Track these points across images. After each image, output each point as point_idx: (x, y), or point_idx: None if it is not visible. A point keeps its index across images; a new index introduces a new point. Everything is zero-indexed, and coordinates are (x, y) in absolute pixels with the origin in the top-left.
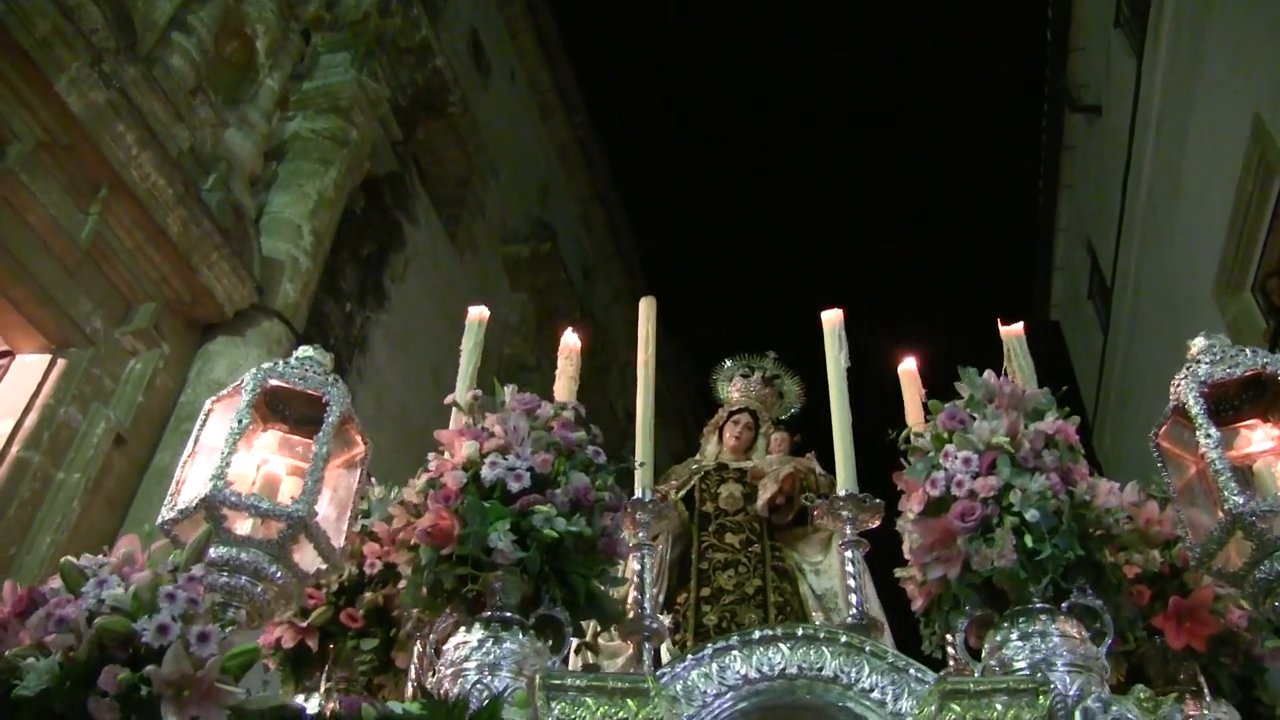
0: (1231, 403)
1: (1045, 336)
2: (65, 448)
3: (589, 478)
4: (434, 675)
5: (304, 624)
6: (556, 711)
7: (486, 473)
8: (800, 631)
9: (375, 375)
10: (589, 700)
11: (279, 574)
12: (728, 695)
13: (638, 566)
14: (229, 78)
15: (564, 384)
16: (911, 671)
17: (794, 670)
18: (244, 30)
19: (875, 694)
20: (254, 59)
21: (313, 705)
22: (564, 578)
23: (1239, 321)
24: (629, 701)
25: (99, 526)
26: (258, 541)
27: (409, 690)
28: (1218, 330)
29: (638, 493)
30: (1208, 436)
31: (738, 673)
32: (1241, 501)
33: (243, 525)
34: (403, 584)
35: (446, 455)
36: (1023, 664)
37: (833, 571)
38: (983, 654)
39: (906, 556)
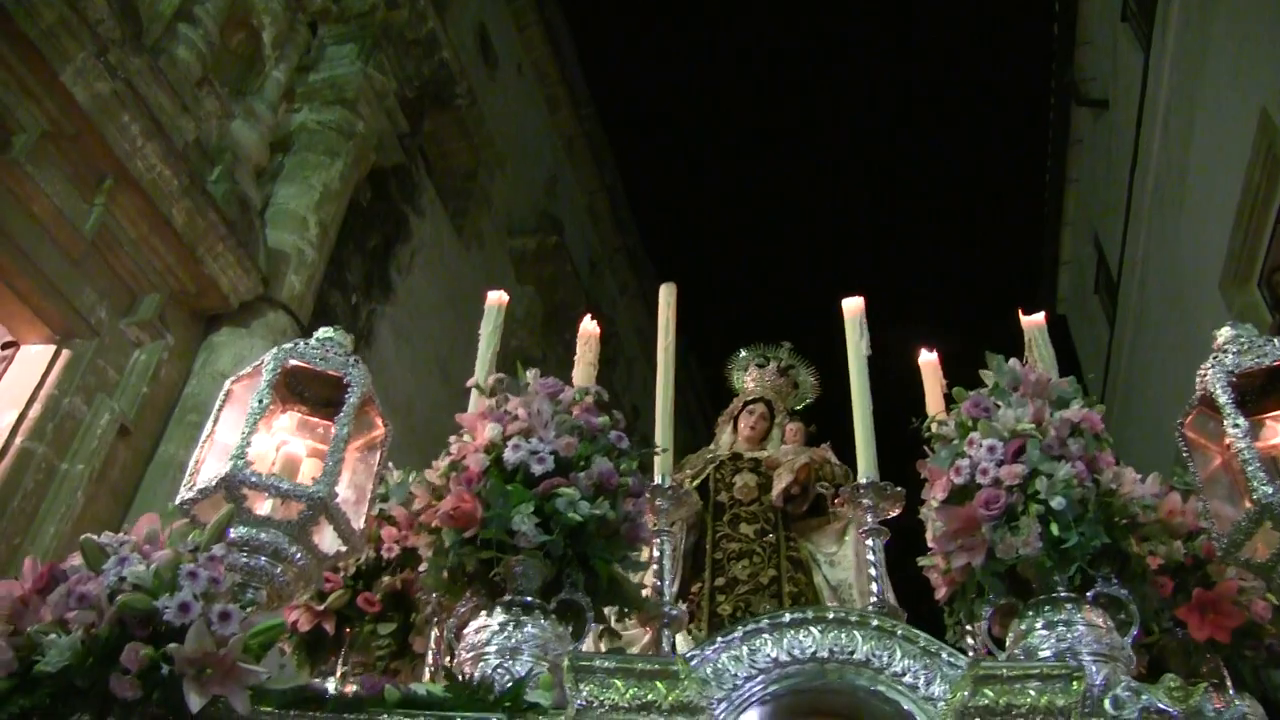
0: (1258, 394)
1: (1051, 330)
2: (69, 439)
3: (612, 463)
4: (453, 660)
5: (320, 607)
6: (585, 693)
7: (509, 455)
8: (831, 614)
9: (381, 367)
10: (618, 682)
11: (299, 555)
12: (758, 678)
13: (657, 553)
14: (235, 69)
15: (584, 370)
16: (944, 656)
17: (825, 653)
18: (250, 22)
19: (907, 678)
20: (260, 50)
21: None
22: (586, 562)
23: (1245, 315)
24: (658, 684)
25: (103, 518)
26: (278, 522)
27: (425, 675)
28: (1223, 324)
29: (657, 479)
30: (1235, 426)
31: (768, 655)
32: (1271, 491)
33: (262, 506)
34: (422, 568)
35: (467, 438)
36: (1047, 653)
37: (847, 562)
38: (1007, 643)
39: (930, 545)
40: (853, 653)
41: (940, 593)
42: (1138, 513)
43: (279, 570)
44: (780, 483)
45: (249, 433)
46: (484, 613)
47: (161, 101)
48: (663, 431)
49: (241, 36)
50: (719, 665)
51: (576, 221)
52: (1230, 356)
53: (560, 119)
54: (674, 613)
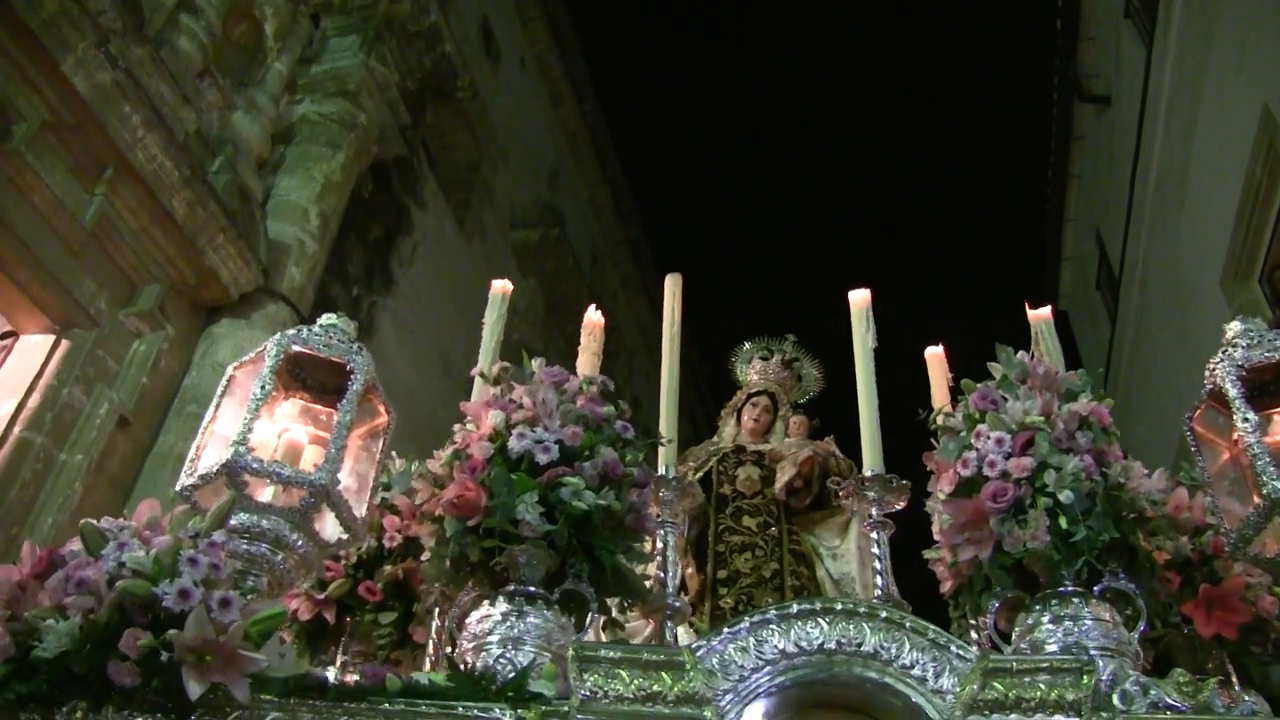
0: (1267, 388)
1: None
2: (68, 429)
3: (617, 453)
4: (454, 649)
5: (321, 596)
6: (589, 683)
7: (514, 444)
8: (840, 606)
9: (382, 360)
10: (623, 673)
11: (300, 542)
12: (765, 670)
13: (660, 545)
14: (237, 60)
15: (588, 360)
16: (953, 649)
17: (833, 645)
18: (252, 13)
19: (916, 670)
20: (262, 42)
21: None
22: (590, 552)
23: (1246, 312)
24: (664, 675)
25: (101, 508)
26: (279, 509)
27: (426, 665)
28: (1224, 321)
29: (661, 470)
30: (1245, 420)
31: (775, 647)
32: None
33: (264, 493)
34: (424, 557)
35: (471, 427)
36: (1054, 647)
37: (850, 556)
38: (1012, 637)
39: (937, 538)
40: (861, 645)
41: (946, 586)
42: (1145, 507)
43: (280, 558)
44: (783, 476)
45: (251, 419)
46: (486, 602)
47: (163, 92)
48: (667, 422)
49: (244, 28)
50: (725, 656)
51: (579, 214)
52: (1240, 350)
53: (563, 112)
54: (677, 604)
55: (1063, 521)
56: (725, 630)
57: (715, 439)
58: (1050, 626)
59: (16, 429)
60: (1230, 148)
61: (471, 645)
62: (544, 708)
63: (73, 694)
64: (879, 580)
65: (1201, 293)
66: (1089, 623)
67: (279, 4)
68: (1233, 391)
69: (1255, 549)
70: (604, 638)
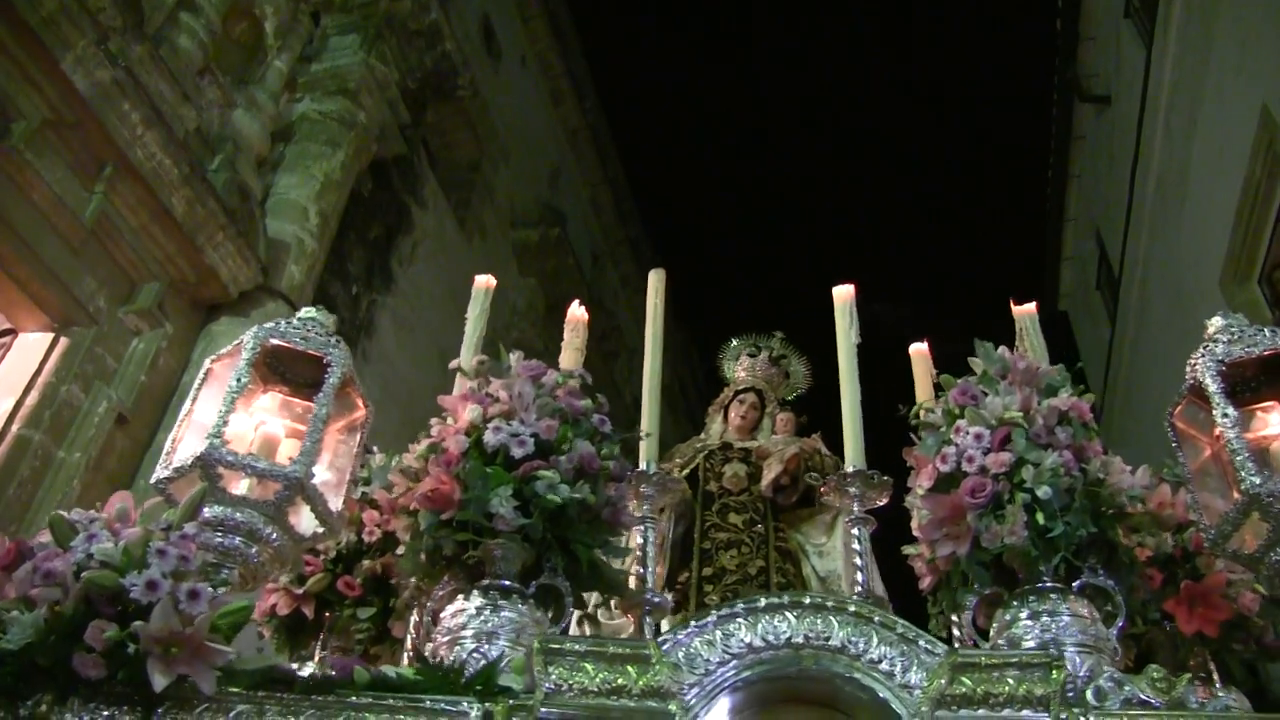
0: (1248, 384)
1: (1053, 326)
2: (67, 426)
3: (594, 446)
4: (430, 643)
5: (300, 591)
6: (554, 676)
7: (489, 438)
8: (807, 600)
9: (382, 358)
10: (588, 666)
11: (274, 535)
12: (731, 664)
13: (641, 540)
14: (237, 58)
15: (570, 355)
16: (921, 643)
17: (800, 639)
18: (252, 11)
19: (883, 665)
20: (262, 40)
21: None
22: (566, 546)
23: (1245, 312)
24: (629, 668)
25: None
26: (253, 502)
27: (405, 660)
28: None
29: (642, 465)
30: (1225, 415)
31: (742, 641)
32: (1259, 481)
33: (239, 485)
34: (399, 550)
35: (450, 421)
36: (1032, 643)
37: (836, 553)
38: (991, 633)
39: (915, 534)
40: (828, 639)
41: (924, 582)
42: (1125, 503)
43: (254, 550)
44: (770, 473)
45: (226, 411)
46: (461, 596)
47: (162, 90)
48: (648, 416)
49: (244, 26)
50: (691, 650)
51: (579, 214)
52: (1220, 346)
53: (564, 111)
54: (656, 600)
55: (1040, 517)
56: (692, 624)
57: (703, 436)
58: (1028, 622)
59: (15, 426)
60: (1230, 147)
61: (446, 639)
62: (511, 701)
63: (38, 686)
64: (859, 576)
65: (1201, 293)
66: (1067, 619)
67: (279, 2)
68: (1213, 387)
69: (1234, 545)
70: (583, 634)
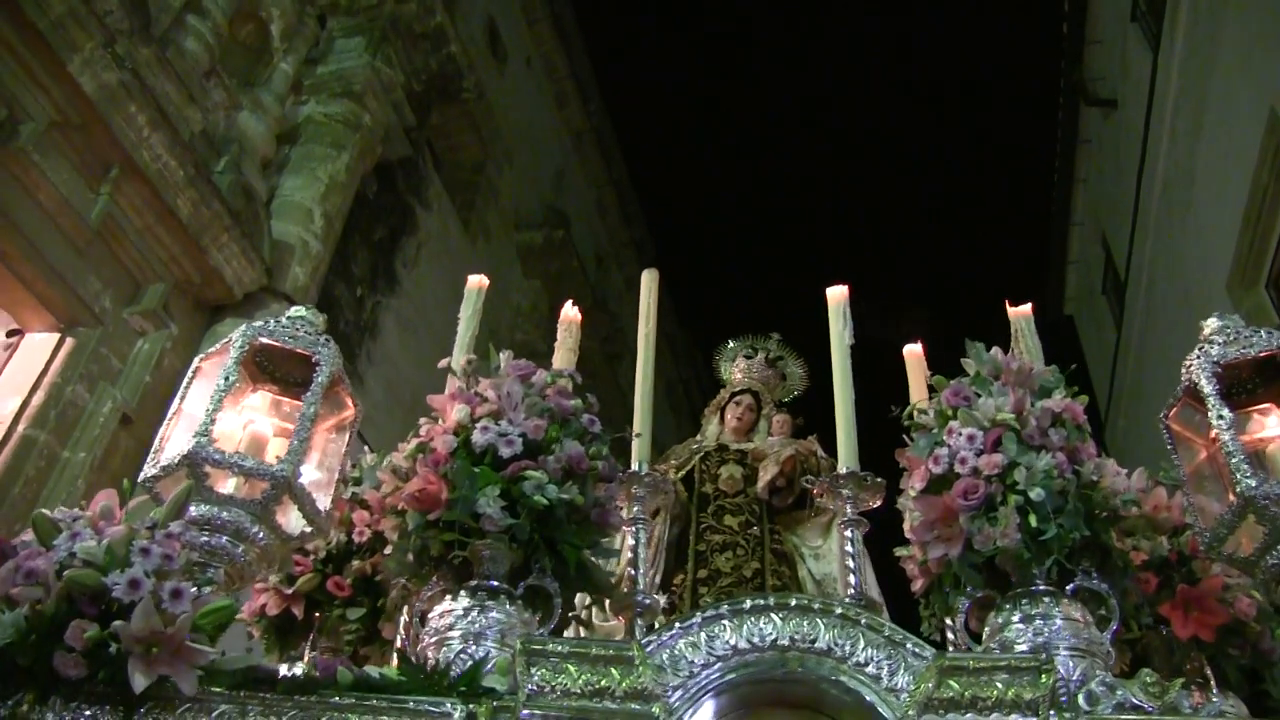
0: (1245, 386)
1: (1059, 331)
2: (72, 426)
3: (583, 446)
4: (418, 644)
5: (289, 591)
6: (537, 678)
7: (477, 438)
8: (794, 602)
9: (385, 360)
10: (570, 667)
11: (261, 535)
12: (716, 666)
13: (632, 541)
14: (243, 61)
15: (563, 355)
16: (909, 646)
17: (786, 642)
18: (258, 14)
19: (870, 668)
20: (268, 42)
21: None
22: (554, 547)
23: (1252, 317)
24: (612, 670)
25: None
26: (240, 501)
27: (394, 661)
28: None
29: (634, 466)
30: (1220, 417)
31: (727, 643)
32: (1254, 484)
33: (226, 484)
34: (387, 550)
35: (439, 420)
36: (1024, 646)
37: (832, 556)
38: (983, 636)
39: (908, 535)
40: (814, 641)
41: (916, 585)
42: (1119, 506)
43: (240, 550)
44: (765, 475)
45: (214, 410)
46: (449, 597)
47: (168, 92)
48: (641, 416)
49: (250, 28)
50: (676, 652)
51: (583, 216)
52: (1216, 347)
53: (568, 113)
54: (647, 601)
55: (1033, 519)
56: (677, 625)
57: (699, 437)
58: (1020, 626)
59: (20, 426)
60: (1237, 151)
61: (433, 640)
62: (495, 702)
63: (18, 686)
64: (853, 579)
65: (1208, 297)
66: (1059, 622)
67: (285, 5)
68: (1208, 388)
69: (1229, 548)
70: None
